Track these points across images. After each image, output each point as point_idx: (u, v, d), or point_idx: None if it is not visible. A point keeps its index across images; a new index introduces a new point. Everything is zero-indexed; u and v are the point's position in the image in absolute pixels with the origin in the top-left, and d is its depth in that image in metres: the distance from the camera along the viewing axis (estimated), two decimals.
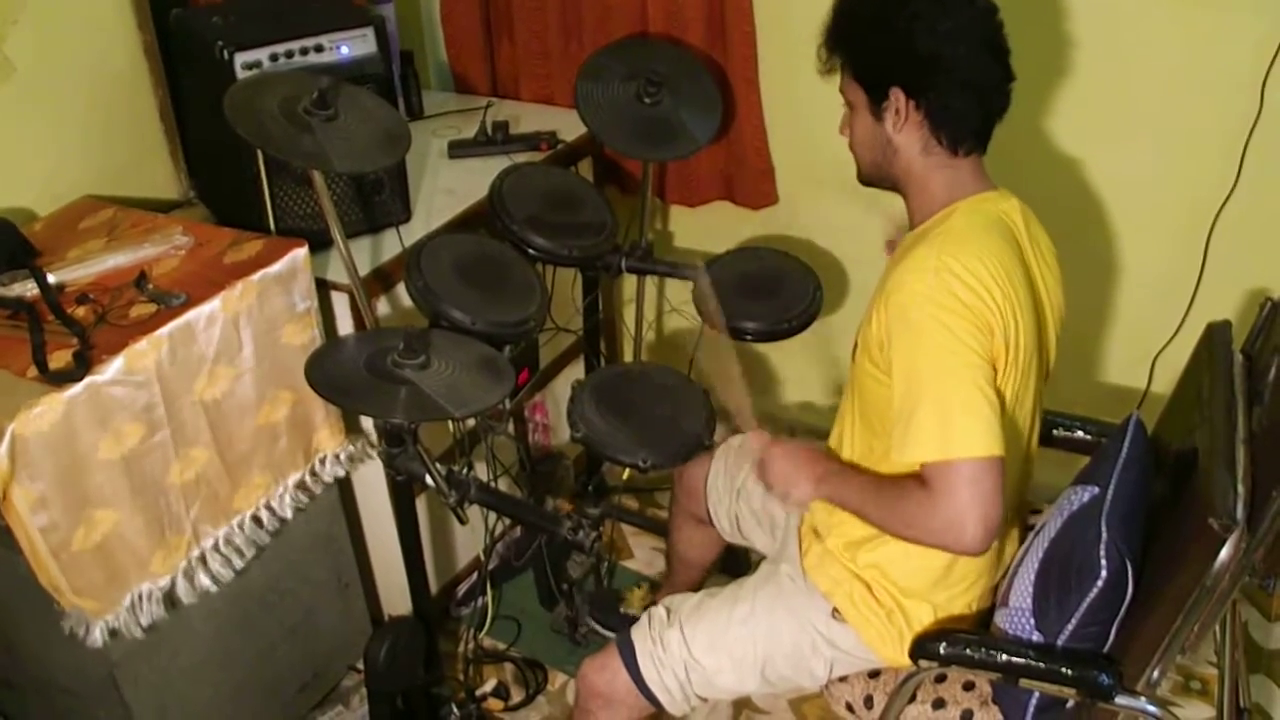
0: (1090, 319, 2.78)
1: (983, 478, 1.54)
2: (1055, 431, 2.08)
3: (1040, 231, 1.81)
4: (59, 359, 1.81)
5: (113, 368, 1.82)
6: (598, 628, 2.71)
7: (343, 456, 2.31)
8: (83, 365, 1.79)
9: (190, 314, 1.94)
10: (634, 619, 2.03)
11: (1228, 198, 2.44)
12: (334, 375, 1.94)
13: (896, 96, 1.69)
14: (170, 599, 2.05)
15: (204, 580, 2.09)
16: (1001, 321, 1.61)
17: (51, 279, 1.99)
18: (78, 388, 1.78)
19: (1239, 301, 2.54)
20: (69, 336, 1.86)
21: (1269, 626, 2.67)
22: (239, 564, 2.15)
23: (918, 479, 1.59)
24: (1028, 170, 2.59)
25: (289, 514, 2.24)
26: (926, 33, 1.64)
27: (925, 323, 1.59)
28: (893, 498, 1.64)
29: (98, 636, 1.93)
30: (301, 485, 2.26)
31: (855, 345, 1.83)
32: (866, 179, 1.84)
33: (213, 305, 1.97)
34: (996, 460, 1.54)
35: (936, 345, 1.58)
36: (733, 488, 2.25)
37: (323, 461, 2.29)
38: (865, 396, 1.79)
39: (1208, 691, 2.52)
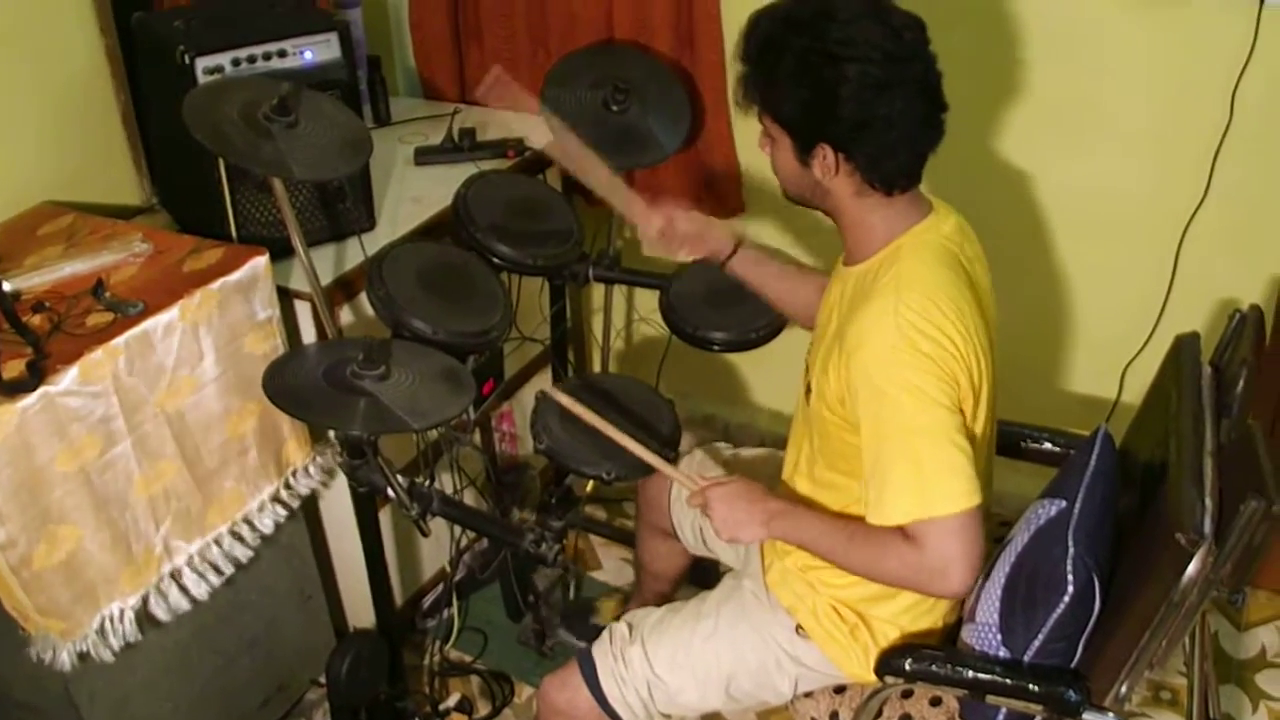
0: (1060, 329, 2.77)
1: (968, 527, 1.54)
2: (1023, 444, 2.06)
3: (975, 248, 1.76)
4: (12, 369, 1.78)
5: (67, 378, 1.79)
6: (572, 640, 2.68)
7: (313, 470, 2.28)
8: (36, 375, 1.76)
9: (147, 323, 1.91)
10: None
11: (1198, 208, 2.44)
12: (291, 386, 1.92)
13: (824, 151, 1.61)
14: (144, 618, 2.01)
15: (178, 598, 2.06)
16: (965, 366, 1.59)
17: (7, 286, 1.96)
18: (31, 398, 1.74)
19: (1210, 311, 2.54)
20: (23, 346, 1.83)
21: (1239, 636, 2.67)
22: (215, 580, 2.12)
23: (900, 532, 1.58)
24: (997, 180, 2.60)
25: (269, 529, 2.21)
26: (857, 93, 1.53)
27: (891, 388, 1.56)
28: (870, 552, 1.62)
29: (65, 660, 1.90)
30: (277, 499, 2.24)
31: (808, 387, 1.80)
32: (792, 201, 1.77)
33: (171, 314, 1.94)
34: (978, 509, 1.55)
35: (905, 408, 1.56)
36: None
37: (295, 475, 2.26)
38: (829, 441, 1.76)
39: (1178, 702, 2.51)
